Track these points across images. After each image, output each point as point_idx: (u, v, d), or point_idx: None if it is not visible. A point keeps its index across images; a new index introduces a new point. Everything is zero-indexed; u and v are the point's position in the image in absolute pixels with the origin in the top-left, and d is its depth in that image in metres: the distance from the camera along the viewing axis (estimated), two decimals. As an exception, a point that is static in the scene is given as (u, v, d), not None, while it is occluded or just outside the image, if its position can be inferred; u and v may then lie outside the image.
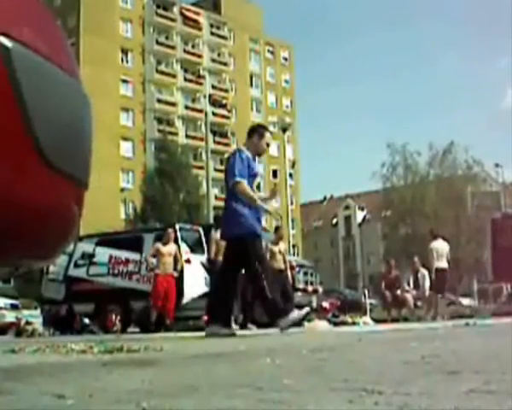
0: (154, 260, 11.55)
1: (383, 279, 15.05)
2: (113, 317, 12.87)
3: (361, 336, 5.11)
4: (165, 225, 12.81)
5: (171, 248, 11.61)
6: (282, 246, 12.00)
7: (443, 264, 12.61)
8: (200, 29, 63.96)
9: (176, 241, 12.54)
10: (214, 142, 59.85)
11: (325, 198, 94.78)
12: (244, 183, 6.09)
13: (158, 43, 60.27)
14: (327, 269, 67.71)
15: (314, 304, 13.82)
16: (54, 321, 14.97)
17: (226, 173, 6.27)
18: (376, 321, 13.00)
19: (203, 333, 6.66)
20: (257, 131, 6.52)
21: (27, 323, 15.61)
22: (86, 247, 13.70)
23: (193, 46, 63.54)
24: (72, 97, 1.72)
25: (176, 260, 11.58)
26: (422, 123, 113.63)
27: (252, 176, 6.27)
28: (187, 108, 61.38)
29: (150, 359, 3.51)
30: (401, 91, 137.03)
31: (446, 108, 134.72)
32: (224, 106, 63.85)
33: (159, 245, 11.57)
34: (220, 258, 10.95)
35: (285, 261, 11.82)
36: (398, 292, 14.33)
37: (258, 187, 66.44)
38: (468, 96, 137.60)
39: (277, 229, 12.42)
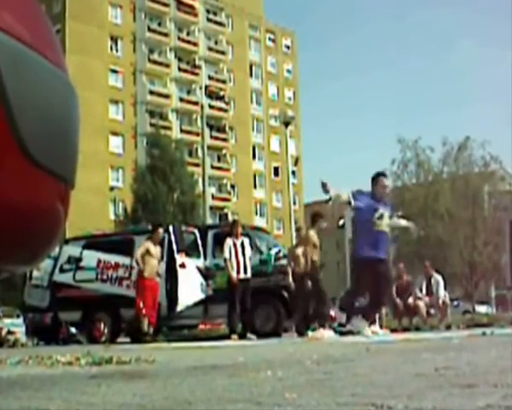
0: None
1: (394, 285, 15.05)
2: (102, 326, 12.86)
3: (369, 347, 5.11)
4: (156, 226, 12.68)
5: (158, 249, 11.50)
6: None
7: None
8: (195, 15, 63.96)
9: (170, 244, 12.55)
10: (211, 137, 59.90)
11: (330, 198, 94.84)
12: None
13: (150, 30, 60.25)
14: (332, 274, 67.69)
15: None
16: (38, 330, 14.97)
17: None
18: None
19: (199, 343, 6.66)
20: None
21: (9, 332, 15.61)
22: (73, 250, 13.69)
23: (188, 33, 63.53)
24: (57, 89, 1.72)
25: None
26: (436, 117, 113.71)
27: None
28: (181, 100, 61.39)
29: (142, 371, 3.51)
30: (413, 82, 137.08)
31: (461, 100, 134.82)
32: (221, 98, 63.85)
33: (149, 244, 11.45)
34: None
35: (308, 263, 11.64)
36: (410, 299, 14.32)
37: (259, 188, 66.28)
38: (484, 87, 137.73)
39: (298, 230, 12.33)
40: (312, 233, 11.17)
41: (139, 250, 11.47)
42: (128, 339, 13.08)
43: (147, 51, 59.91)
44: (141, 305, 11.08)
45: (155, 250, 11.42)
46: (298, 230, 12.44)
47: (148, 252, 11.30)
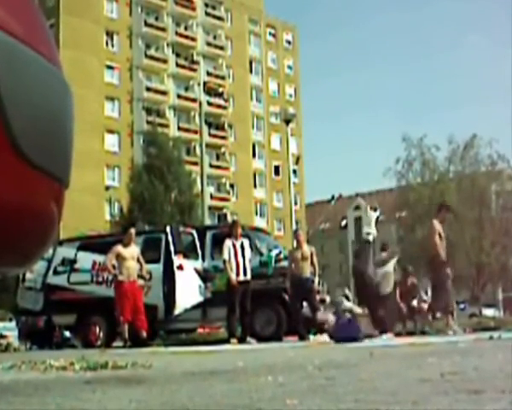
0: (114, 264, 11.20)
1: (398, 288, 15.04)
2: (97, 330, 12.86)
3: (373, 351, 5.11)
4: (127, 227, 12.66)
5: (133, 250, 11.38)
6: (307, 249, 11.70)
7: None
8: (193, 9, 63.95)
9: (167, 245, 12.56)
10: (209, 134, 59.88)
11: (333, 197, 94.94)
12: None
13: (147, 24, 60.24)
14: (335, 276, 67.78)
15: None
16: (31, 334, 14.99)
17: None
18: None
19: (197, 347, 6.67)
20: None
21: (1, 336, 15.65)
22: (67, 252, 13.69)
23: (186, 28, 63.53)
24: (51, 85, 1.72)
25: (140, 264, 11.35)
26: (441, 114, 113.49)
27: None
28: (179, 96, 61.39)
29: (138, 376, 3.52)
30: (418, 79, 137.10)
31: (468, 97, 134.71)
32: (220, 95, 63.86)
33: (119, 247, 11.33)
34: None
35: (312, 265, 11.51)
36: (415, 302, 14.32)
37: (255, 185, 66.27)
38: (492, 84, 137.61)
39: (295, 232, 12.36)
40: (436, 222, 11.42)
41: (107, 257, 11.40)
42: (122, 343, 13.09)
43: (143, 46, 59.90)
44: (120, 311, 11.04)
45: (129, 251, 11.27)
46: (295, 232, 12.43)
47: (119, 256, 11.21)
